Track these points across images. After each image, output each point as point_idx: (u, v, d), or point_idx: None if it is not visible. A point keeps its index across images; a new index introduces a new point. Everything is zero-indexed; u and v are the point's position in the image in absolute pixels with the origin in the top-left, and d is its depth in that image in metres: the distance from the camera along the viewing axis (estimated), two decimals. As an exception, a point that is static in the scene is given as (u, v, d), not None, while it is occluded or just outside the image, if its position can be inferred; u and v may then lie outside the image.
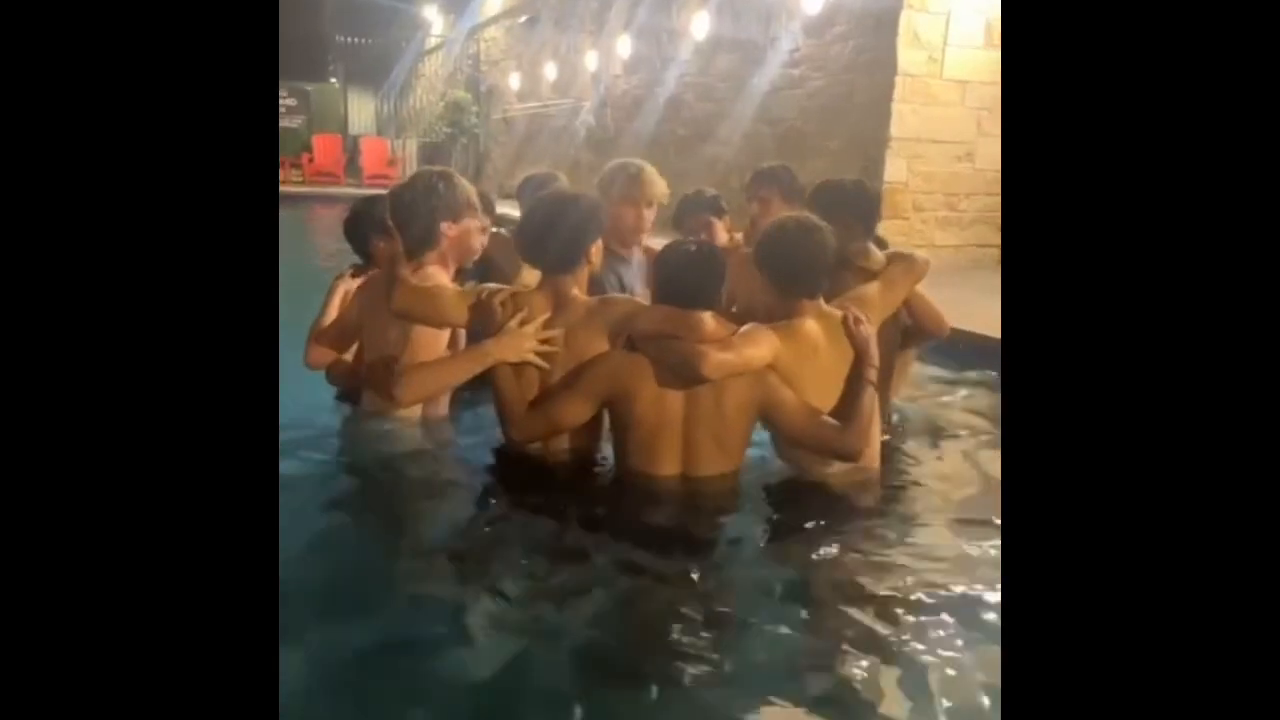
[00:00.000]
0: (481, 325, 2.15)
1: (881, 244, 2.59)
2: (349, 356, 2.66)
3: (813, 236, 2.14)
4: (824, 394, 2.13)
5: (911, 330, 2.57)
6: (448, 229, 2.29)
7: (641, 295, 2.62)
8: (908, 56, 6.56)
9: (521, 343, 2.09)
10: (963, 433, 2.84)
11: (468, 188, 2.35)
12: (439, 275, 2.27)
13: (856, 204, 2.50)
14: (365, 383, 2.46)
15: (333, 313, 2.59)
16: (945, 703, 1.44)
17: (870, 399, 2.13)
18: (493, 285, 2.24)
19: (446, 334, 2.28)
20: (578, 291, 2.19)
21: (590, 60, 11.09)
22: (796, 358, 2.10)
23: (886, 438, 2.31)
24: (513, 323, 2.11)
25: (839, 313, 2.19)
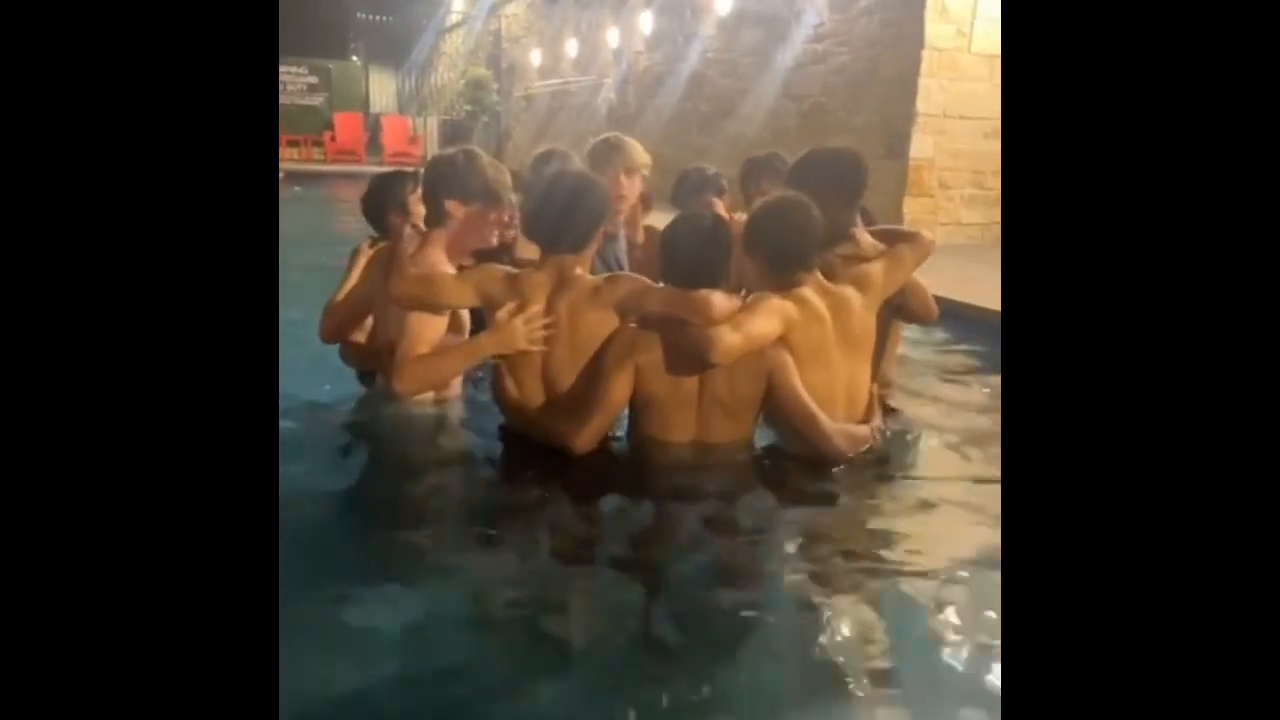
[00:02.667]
0: (485, 308, 2.15)
1: (868, 217, 2.56)
2: (363, 337, 2.67)
3: (797, 213, 2.14)
4: (823, 368, 2.14)
5: (900, 309, 2.54)
6: (454, 208, 2.26)
7: (627, 271, 2.66)
8: (935, 30, 6.44)
9: (514, 335, 2.07)
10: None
11: (488, 173, 2.30)
12: (439, 262, 2.25)
13: (838, 175, 2.42)
14: (376, 366, 2.47)
15: (349, 285, 2.60)
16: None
17: (866, 435, 2.20)
18: (489, 266, 2.22)
19: (444, 319, 2.24)
20: (581, 270, 2.16)
21: (612, 36, 11.01)
22: (805, 327, 2.11)
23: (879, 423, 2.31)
24: (501, 313, 2.09)
25: (843, 289, 2.21)
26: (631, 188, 2.81)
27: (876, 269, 2.31)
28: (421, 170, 2.36)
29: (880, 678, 1.43)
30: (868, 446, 2.22)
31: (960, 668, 1.44)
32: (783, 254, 2.15)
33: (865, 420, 2.26)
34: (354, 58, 18.49)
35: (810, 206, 2.15)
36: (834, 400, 2.17)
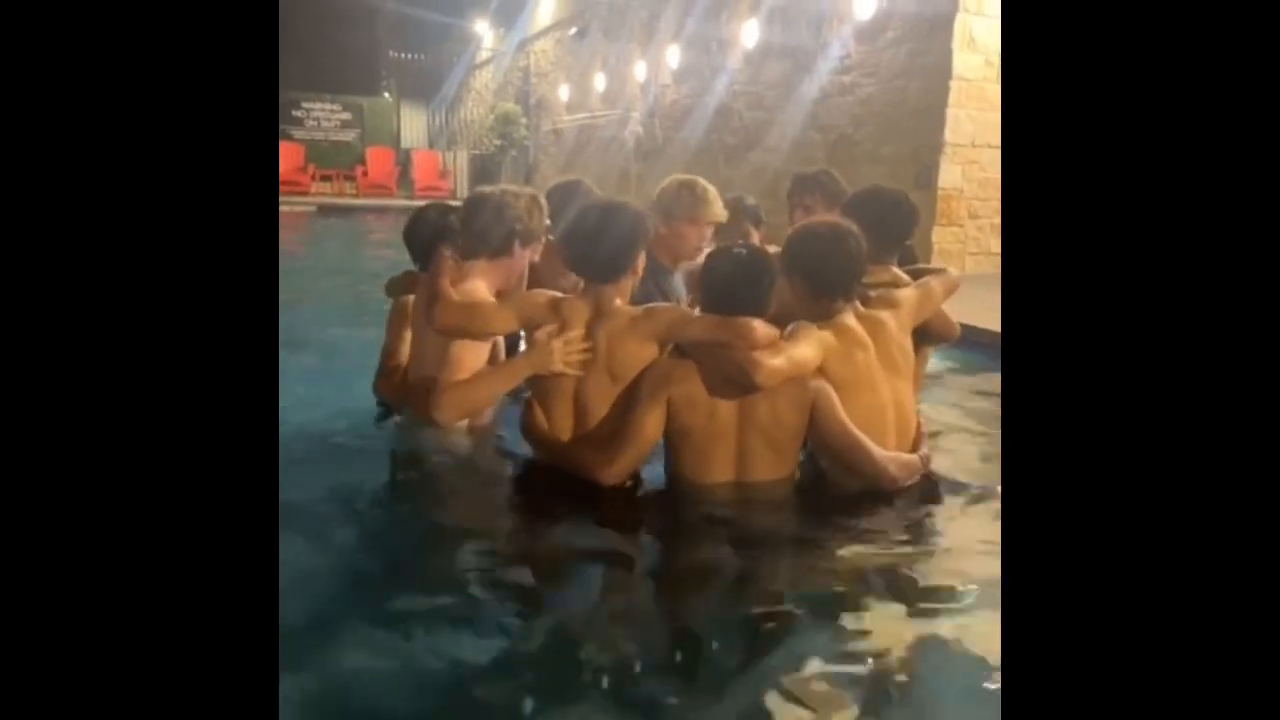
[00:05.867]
0: (526, 333, 2.17)
1: (910, 256, 2.58)
2: (397, 374, 2.67)
3: (846, 243, 2.12)
4: (871, 393, 2.11)
5: (925, 332, 2.54)
6: (518, 250, 2.34)
7: (686, 305, 2.61)
8: (963, 60, 6.44)
9: (551, 356, 2.07)
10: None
11: (540, 215, 2.38)
12: (480, 289, 2.27)
13: (890, 217, 2.48)
14: (408, 400, 2.47)
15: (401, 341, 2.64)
16: None
17: (918, 463, 2.19)
18: (531, 292, 2.24)
19: (487, 348, 2.27)
20: (620, 301, 2.16)
21: (639, 70, 11.13)
22: (847, 355, 2.09)
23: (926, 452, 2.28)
24: (540, 334, 2.10)
25: (877, 313, 2.21)
26: (708, 238, 2.74)
27: (908, 294, 2.33)
28: (479, 203, 2.37)
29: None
30: (919, 475, 2.19)
31: None
32: (825, 279, 2.12)
33: (915, 448, 2.22)
34: (386, 94, 18.85)
35: (857, 236, 2.13)
36: (885, 425, 2.14)
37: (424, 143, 18.76)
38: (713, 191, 2.76)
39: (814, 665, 1.49)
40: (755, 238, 2.93)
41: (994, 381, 3.49)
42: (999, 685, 1.43)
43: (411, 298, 2.65)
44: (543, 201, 2.40)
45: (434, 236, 2.60)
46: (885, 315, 2.22)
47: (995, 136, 6.57)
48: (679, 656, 1.58)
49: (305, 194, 14.15)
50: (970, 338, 4.05)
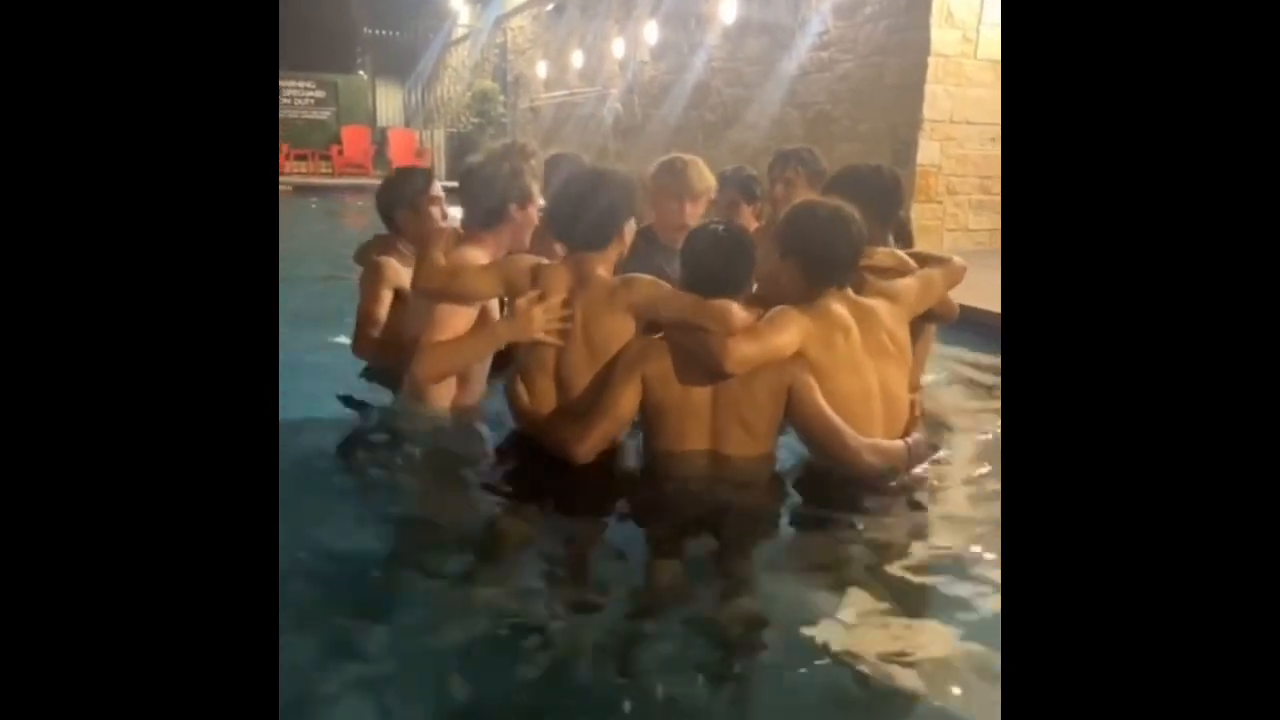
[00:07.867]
0: (508, 298, 2.17)
1: (905, 231, 2.56)
2: (375, 332, 2.69)
3: (849, 227, 2.07)
4: (853, 377, 2.08)
5: (928, 312, 2.53)
6: (515, 211, 2.31)
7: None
8: (941, 36, 6.44)
9: (531, 322, 2.07)
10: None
11: (535, 170, 2.37)
12: (477, 257, 2.26)
13: (876, 193, 2.42)
14: (392, 357, 2.48)
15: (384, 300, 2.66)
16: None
17: (899, 449, 2.11)
18: (516, 257, 2.24)
19: (471, 314, 2.25)
20: (604, 271, 2.15)
21: (617, 47, 11.04)
22: (826, 339, 2.06)
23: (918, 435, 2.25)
24: (521, 301, 2.09)
25: (869, 301, 2.17)
26: (690, 213, 2.74)
27: (908, 284, 2.29)
28: (468, 176, 2.37)
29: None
30: (914, 462, 2.15)
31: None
32: (824, 263, 2.09)
33: (906, 434, 2.19)
34: (361, 72, 18.59)
35: (860, 221, 2.09)
36: (870, 410, 2.10)
37: (400, 121, 18.55)
38: (694, 165, 2.75)
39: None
40: (745, 214, 2.91)
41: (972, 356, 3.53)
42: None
43: (384, 258, 2.68)
44: (532, 149, 2.39)
45: (398, 201, 2.67)
46: (878, 303, 2.18)
47: (973, 113, 6.60)
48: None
49: (280, 173, 13.98)
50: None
